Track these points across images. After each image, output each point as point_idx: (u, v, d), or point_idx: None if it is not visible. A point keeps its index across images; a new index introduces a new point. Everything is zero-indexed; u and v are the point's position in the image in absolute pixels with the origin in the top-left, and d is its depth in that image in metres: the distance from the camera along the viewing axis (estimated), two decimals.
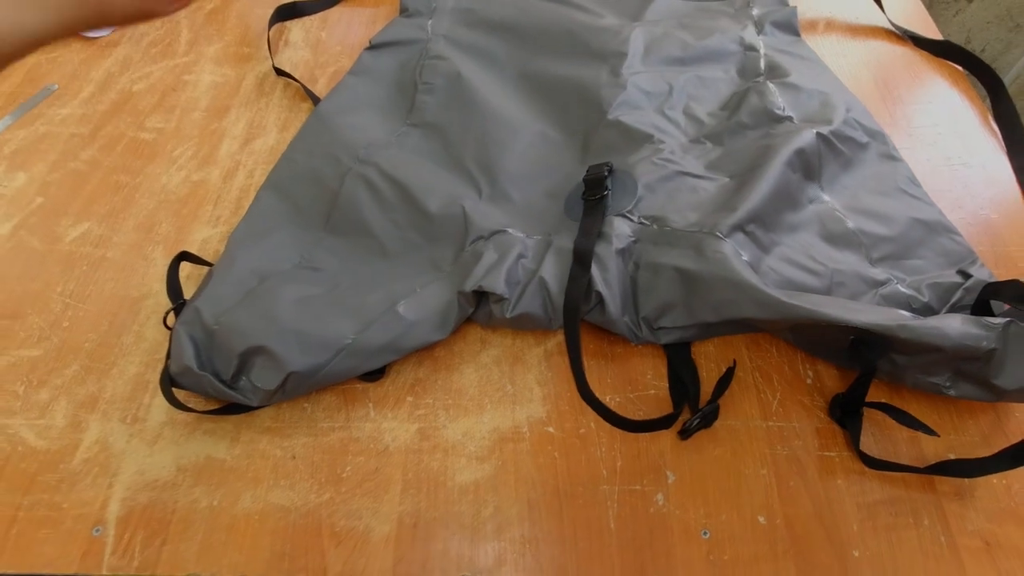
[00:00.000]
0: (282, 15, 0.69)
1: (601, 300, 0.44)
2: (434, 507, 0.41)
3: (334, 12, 0.72)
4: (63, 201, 0.56)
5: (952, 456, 0.42)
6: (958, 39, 0.63)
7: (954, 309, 0.45)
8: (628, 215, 0.49)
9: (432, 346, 0.47)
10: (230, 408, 0.43)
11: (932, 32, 0.70)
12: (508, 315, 0.44)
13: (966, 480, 0.41)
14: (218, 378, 0.42)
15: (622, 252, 0.47)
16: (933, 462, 0.41)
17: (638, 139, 0.55)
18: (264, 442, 0.44)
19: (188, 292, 0.48)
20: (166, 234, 0.54)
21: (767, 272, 0.46)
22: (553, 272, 0.45)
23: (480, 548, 0.39)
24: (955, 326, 0.39)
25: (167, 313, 0.45)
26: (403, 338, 0.44)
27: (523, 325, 0.46)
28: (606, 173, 0.50)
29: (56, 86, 0.64)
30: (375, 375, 0.45)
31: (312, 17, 0.72)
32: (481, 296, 0.46)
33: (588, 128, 0.58)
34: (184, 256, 0.48)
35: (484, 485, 0.42)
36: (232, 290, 0.45)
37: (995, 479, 0.41)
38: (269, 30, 0.68)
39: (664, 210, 0.49)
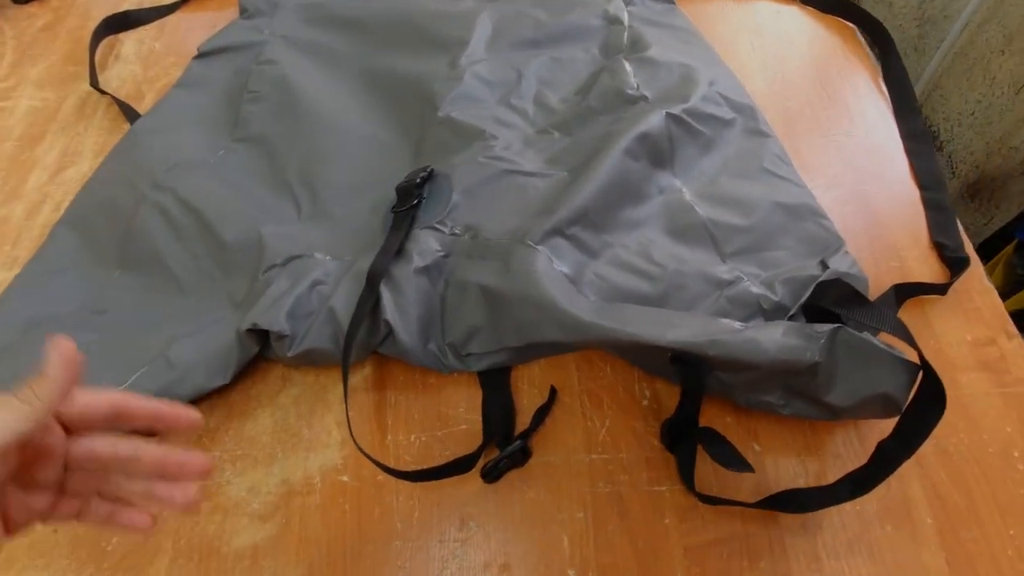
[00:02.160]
0: (111, 27, 0.64)
1: (391, 330, 0.39)
2: None
3: (172, 19, 0.67)
4: None
5: (802, 481, 0.37)
6: None
7: (806, 307, 0.39)
8: (439, 226, 0.43)
9: (227, 390, 0.42)
10: None
11: None
12: (290, 354, 0.39)
13: None
14: None
15: (427, 270, 0.41)
16: (775, 491, 0.36)
17: (469, 136, 0.49)
18: None
19: None
20: None
21: (591, 281, 0.40)
22: (344, 300, 0.40)
23: None
24: (774, 338, 0.33)
25: None
26: (175, 386, 0.39)
27: (313, 361, 0.41)
28: (418, 180, 0.45)
29: None
30: None
31: (148, 27, 0.66)
32: (265, 333, 0.40)
33: (421, 128, 0.52)
34: None
35: (263, 548, 0.37)
36: None
37: (847, 505, 0.35)
38: (95, 43, 0.62)
39: (482, 217, 0.43)
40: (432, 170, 0.46)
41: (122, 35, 0.66)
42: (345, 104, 0.55)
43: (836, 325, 0.32)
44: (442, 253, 0.42)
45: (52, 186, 0.54)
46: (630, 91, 0.51)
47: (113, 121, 0.58)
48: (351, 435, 0.37)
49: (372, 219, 0.47)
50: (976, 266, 0.43)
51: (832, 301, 0.34)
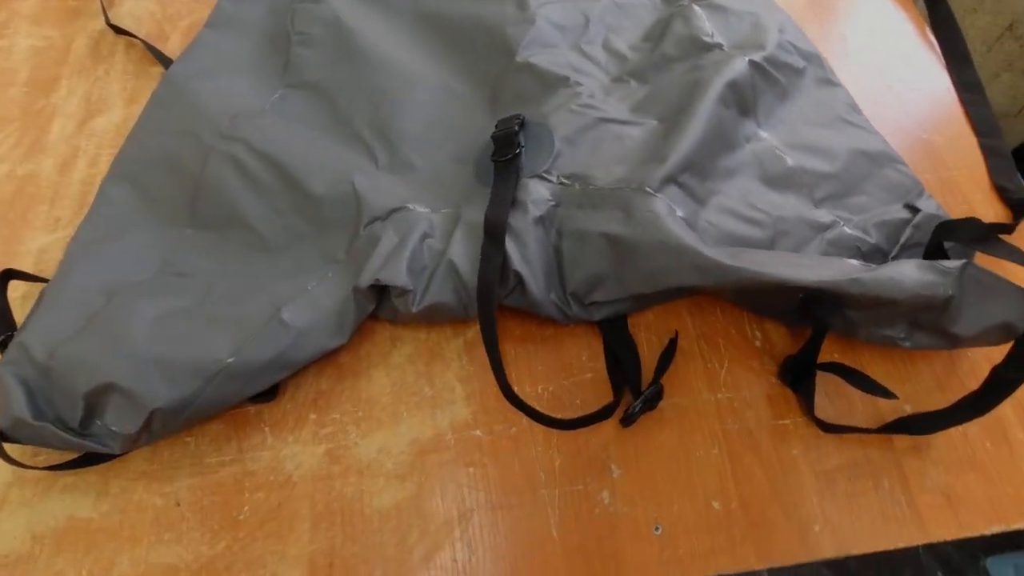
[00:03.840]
0: None
1: (521, 281, 0.38)
2: (352, 540, 0.35)
3: None
4: None
5: (908, 408, 0.40)
6: None
7: (904, 249, 0.42)
8: (546, 175, 0.42)
9: (334, 351, 0.40)
10: (89, 458, 0.36)
11: None
12: (415, 309, 0.38)
13: None
14: (64, 426, 0.34)
15: (541, 220, 0.40)
16: (890, 418, 0.38)
17: (553, 83, 0.48)
18: (140, 490, 0.36)
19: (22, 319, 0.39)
20: None
21: (705, 228, 0.41)
22: (463, 252, 0.39)
23: None
24: (910, 275, 0.35)
25: None
26: (293, 350, 0.37)
27: (435, 317, 0.40)
28: (516, 128, 0.43)
29: None
30: (267, 395, 0.38)
31: None
32: (382, 289, 0.39)
33: (496, 75, 0.50)
34: (10, 274, 0.39)
35: (407, 507, 0.36)
36: (70, 314, 0.37)
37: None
38: None
39: (587, 166, 0.43)
40: (524, 118, 0.45)
41: None
42: (406, 49, 0.52)
43: (964, 261, 0.35)
44: (553, 203, 0.41)
45: (81, 138, 0.48)
46: (705, 38, 0.50)
47: (138, 64, 0.52)
48: (508, 392, 0.36)
49: (459, 169, 0.46)
50: None
51: (967, 237, 0.36)
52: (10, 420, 0.33)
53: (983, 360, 0.41)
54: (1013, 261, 0.34)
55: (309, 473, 0.37)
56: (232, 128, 0.45)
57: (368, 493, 0.37)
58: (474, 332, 0.42)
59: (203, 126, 0.45)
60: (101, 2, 0.54)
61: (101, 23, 0.54)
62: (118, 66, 0.52)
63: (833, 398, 0.40)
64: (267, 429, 0.38)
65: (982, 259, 0.39)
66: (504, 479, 0.37)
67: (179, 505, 0.36)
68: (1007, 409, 0.40)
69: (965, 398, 0.36)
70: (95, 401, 0.34)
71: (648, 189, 0.40)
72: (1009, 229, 0.45)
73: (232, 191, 0.43)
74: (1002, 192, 0.47)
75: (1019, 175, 0.48)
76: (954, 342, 0.37)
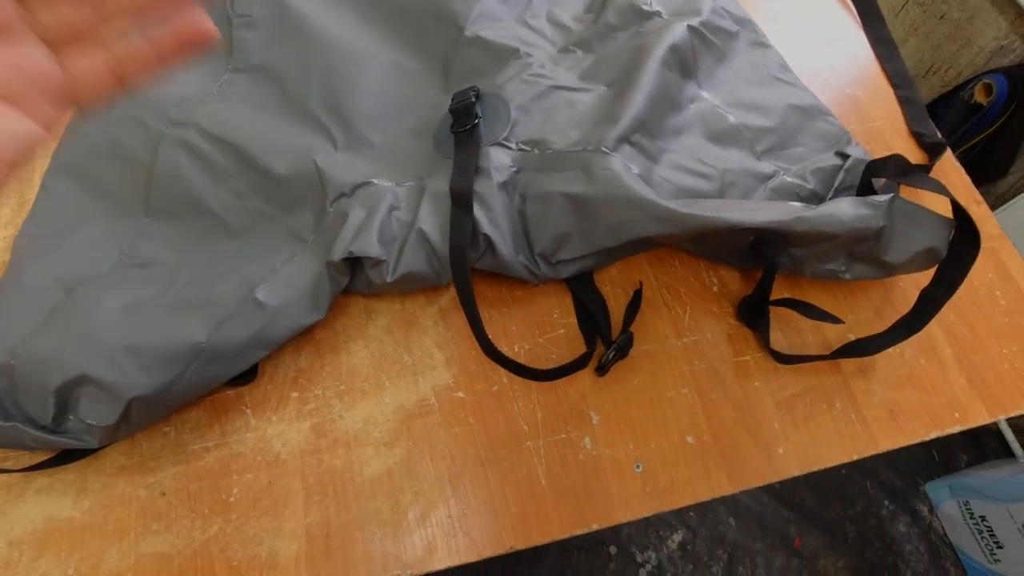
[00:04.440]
0: None
1: (491, 243, 0.39)
2: (346, 510, 0.36)
3: None
4: None
5: (852, 336, 0.43)
6: None
7: (839, 192, 0.45)
8: (505, 143, 0.43)
9: (310, 329, 0.40)
10: (64, 457, 0.35)
11: None
12: (389, 279, 0.38)
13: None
14: (35, 425, 0.33)
15: (505, 185, 0.42)
16: (837, 346, 0.42)
17: (503, 55, 0.49)
18: (121, 484, 0.36)
19: None
20: None
21: (660, 183, 0.43)
22: (432, 221, 0.40)
23: (406, 541, 0.35)
24: (846, 210, 0.38)
25: None
26: (269, 328, 0.37)
27: (409, 286, 0.41)
28: (473, 99, 0.44)
29: None
30: (246, 377, 0.38)
31: None
32: (355, 262, 0.39)
33: (446, 50, 0.51)
34: None
35: (397, 471, 0.37)
36: (27, 311, 0.35)
37: (891, 348, 0.43)
38: None
39: (543, 132, 0.44)
40: (479, 89, 0.46)
41: None
42: (352, 28, 0.52)
43: (891, 194, 0.38)
44: (514, 169, 0.43)
45: None
46: (644, 7, 0.53)
47: None
48: (488, 348, 0.37)
49: (419, 143, 0.46)
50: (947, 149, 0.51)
51: (893, 172, 0.40)
52: None
53: (912, 288, 0.45)
54: (933, 190, 0.38)
55: (297, 450, 0.37)
56: (181, 113, 0.44)
57: (358, 462, 0.37)
58: (448, 299, 0.43)
59: (149, 113, 0.44)
60: None
61: None
62: None
63: (786, 332, 0.43)
64: (249, 411, 0.38)
65: (905, 194, 0.44)
66: (490, 435, 0.38)
67: (165, 494, 0.36)
68: (935, 329, 0.44)
69: (900, 321, 0.40)
70: (67, 396, 0.33)
71: (604, 149, 0.42)
72: (927, 169, 0.50)
73: (187, 177, 0.42)
74: (918, 137, 0.52)
75: (932, 122, 0.52)
76: (888, 270, 0.40)
